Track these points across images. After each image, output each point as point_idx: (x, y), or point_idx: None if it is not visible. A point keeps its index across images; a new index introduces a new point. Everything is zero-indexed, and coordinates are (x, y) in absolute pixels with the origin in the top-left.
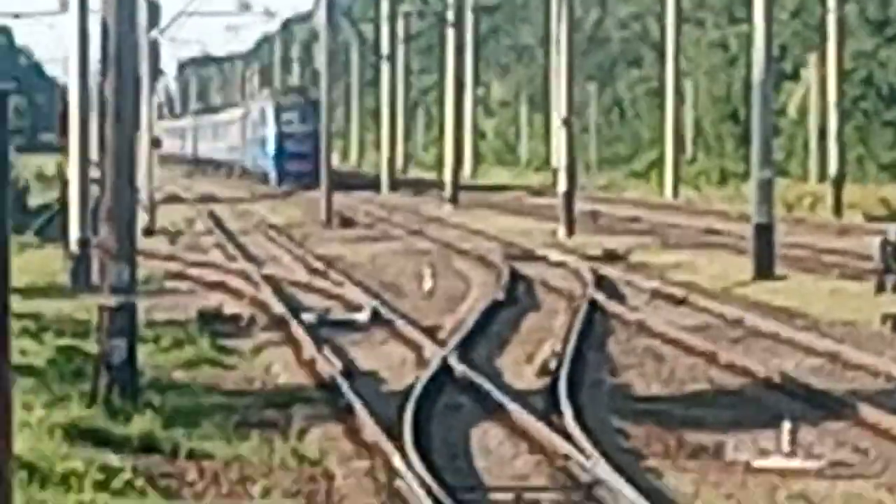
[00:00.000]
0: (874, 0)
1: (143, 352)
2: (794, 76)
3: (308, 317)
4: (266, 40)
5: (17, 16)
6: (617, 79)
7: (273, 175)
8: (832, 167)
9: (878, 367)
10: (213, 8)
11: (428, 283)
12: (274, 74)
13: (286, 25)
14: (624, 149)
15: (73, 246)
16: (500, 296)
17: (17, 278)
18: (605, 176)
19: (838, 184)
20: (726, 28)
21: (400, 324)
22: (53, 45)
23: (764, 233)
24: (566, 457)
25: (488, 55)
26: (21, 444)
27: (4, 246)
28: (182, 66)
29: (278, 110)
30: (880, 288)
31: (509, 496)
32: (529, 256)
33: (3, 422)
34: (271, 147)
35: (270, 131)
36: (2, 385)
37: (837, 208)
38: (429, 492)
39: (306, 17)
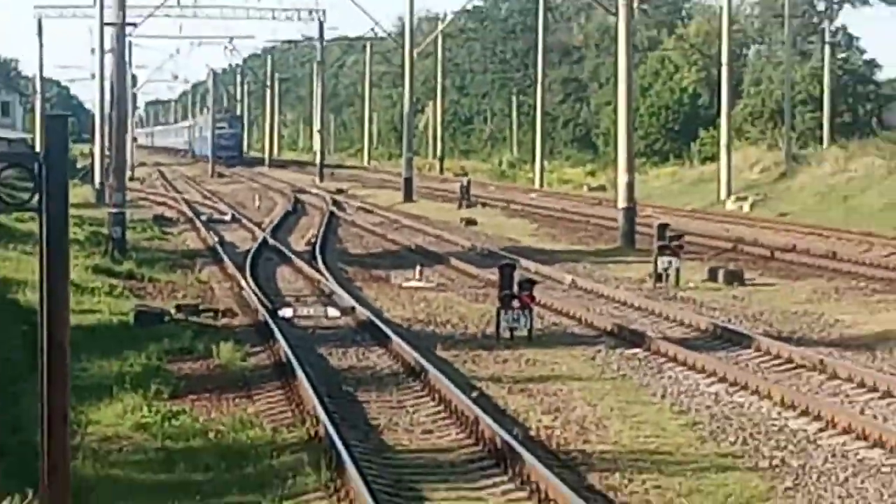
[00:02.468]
0: (459, 73)
1: (128, 233)
2: (422, 111)
3: (202, 218)
4: (185, 93)
5: (72, 80)
6: (342, 112)
7: (210, 158)
8: (438, 152)
9: (457, 240)
10: (161, 78)
11: (258, 202)
12: (189, 110)
13: (195, 86)
14: (347, 144)
15: (97, 185)
16: (290, 208)
17: (71, 200)
18: (337, 155)
19: (441, 159)
20: (394, 89)
21: (244, 221)
22: (89, 93)
23: (408, 182)
24: (319, 282)
25: (285, 100)
26: (73, 275)
27: (65, 191)
28: (147, 105)
29: (213, 122)
30: (459, 206)
31: (293, 297)
32: (303, 191)
33: (65, 266)
34: (210, 143)
35: (209, 133)
36: (63, 250)
37: (441, 170)
38: (256, 294)
39: (204, 82)
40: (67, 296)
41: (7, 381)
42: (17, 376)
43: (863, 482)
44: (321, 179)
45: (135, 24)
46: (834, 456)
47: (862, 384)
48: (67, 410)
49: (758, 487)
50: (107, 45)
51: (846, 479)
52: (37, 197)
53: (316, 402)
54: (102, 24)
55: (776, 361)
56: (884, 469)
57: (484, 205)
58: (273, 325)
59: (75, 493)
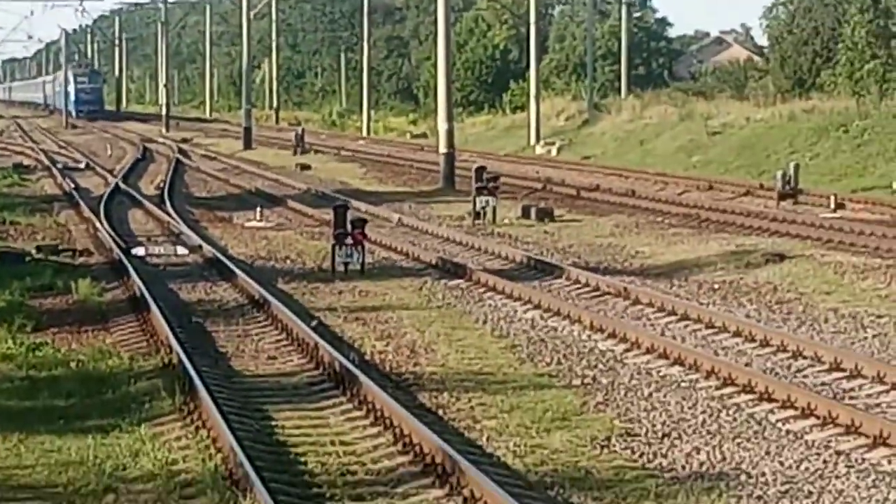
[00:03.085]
0: (292, 32)
1: None
2: (258, 67)
3: (58, 166)
4: (39, 52)
5: None
6: (186, 68)
7: (73, 112)
8: (274, 104)
9: (293, 184)
10: (16, 38)
11: (109, 151)
12: (43, 68)
13: (48, 45)
14: (191, 97)
15: None
16: (139, 156)
17: None
18: (181, 108)
19: (277, 110)
20: (232, 47)
21: (98, 169)
22: None
23: (247, 131)
24: (168, 223)
25: (133, 58)
26: None
27: None
28: (3, 62)
29: (75, 75)
30: (294, 153)
31: (145, 237)
32: (151, 140)
33: None
34: (73, 97)
35: (71, 87)
36: None
37: (277, 120)
38: (110, 235)
39: (57, 42)
40: None
41: None
42: None
43: (665, 396)
44: (167, 130)
45: None
46: (639, 373)
47: (662, 308)
48: None
49: (572, 403)
50: None
51: (650, 394)
52: None
53: (168, 332)
54: None
55: (585, 289)
56: (683, 384)
57: (317, 152)
58: (127, 263)
59: None
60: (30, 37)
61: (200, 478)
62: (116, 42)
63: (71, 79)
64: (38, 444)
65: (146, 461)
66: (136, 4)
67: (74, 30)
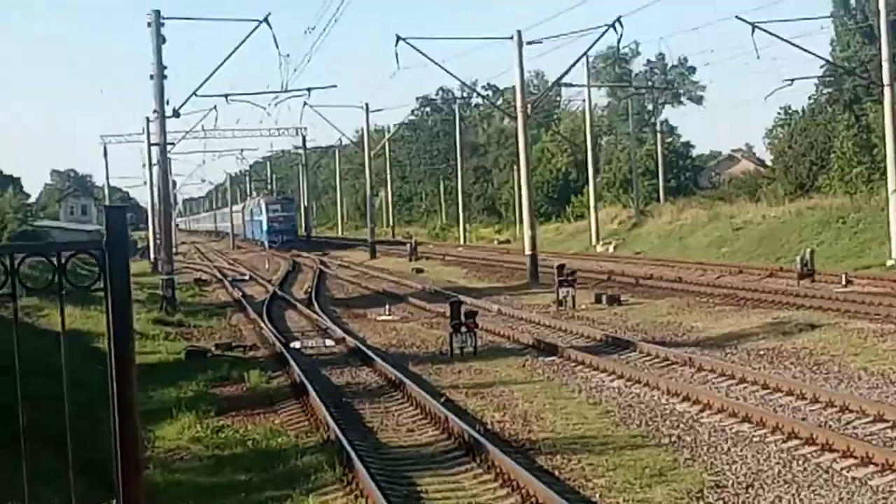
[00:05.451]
0: (401, 167)
1: (176, 293)
2: (377, 194)
3: (228, 279)
4: (210, 192)
5: (130, 186)
6: (321, 198)
7: (266, 243)
8: (390, 222)
9: (411, 284)
10: (193, 181)
11: (267, 265)
12: (221, 202)
13: (217, 186)
14: (326, 220)
15: (151, 259)
16: (290, 268)
17: (133, 270)
18: (318, 229)
19: (392, 227)
20: (356, 180)
21: (259, 279)
22: (143, 196)
23: (373, 245)
24: (317, 320)
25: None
26: (138, 326)
27: (126, 264)
28: (184, 201)
29: (268, 204)
30: (410, 259)
31: (300, 333)
32: (298, 255)
33: (128, 319)
34: (265, 226)
35: (263, 217)
36: (127, 306)
37: (393, 235)
38: (272, 332)
39: (223, 183)
40: (133, 363)
41: (88, 409)
42: (95, 404)
43: (741, 450)
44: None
45: (173, 144)
46: (715, 431)
47: (723, 374)
48: (141, 466)
49: (665, 460)
50: (153, 160)
51: (729, 449)
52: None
53: (325, 413)
54: (150, 145)
55: (656, 360)
56: (755, 439)
57: (427, 258)
58: (287, 355)
59: (148, 496)
60: (202, 180)
61: None
62: (268, 181)
63: (263, 208)
64: None
65: None
66: (282, 151)
67: (236, 173)
